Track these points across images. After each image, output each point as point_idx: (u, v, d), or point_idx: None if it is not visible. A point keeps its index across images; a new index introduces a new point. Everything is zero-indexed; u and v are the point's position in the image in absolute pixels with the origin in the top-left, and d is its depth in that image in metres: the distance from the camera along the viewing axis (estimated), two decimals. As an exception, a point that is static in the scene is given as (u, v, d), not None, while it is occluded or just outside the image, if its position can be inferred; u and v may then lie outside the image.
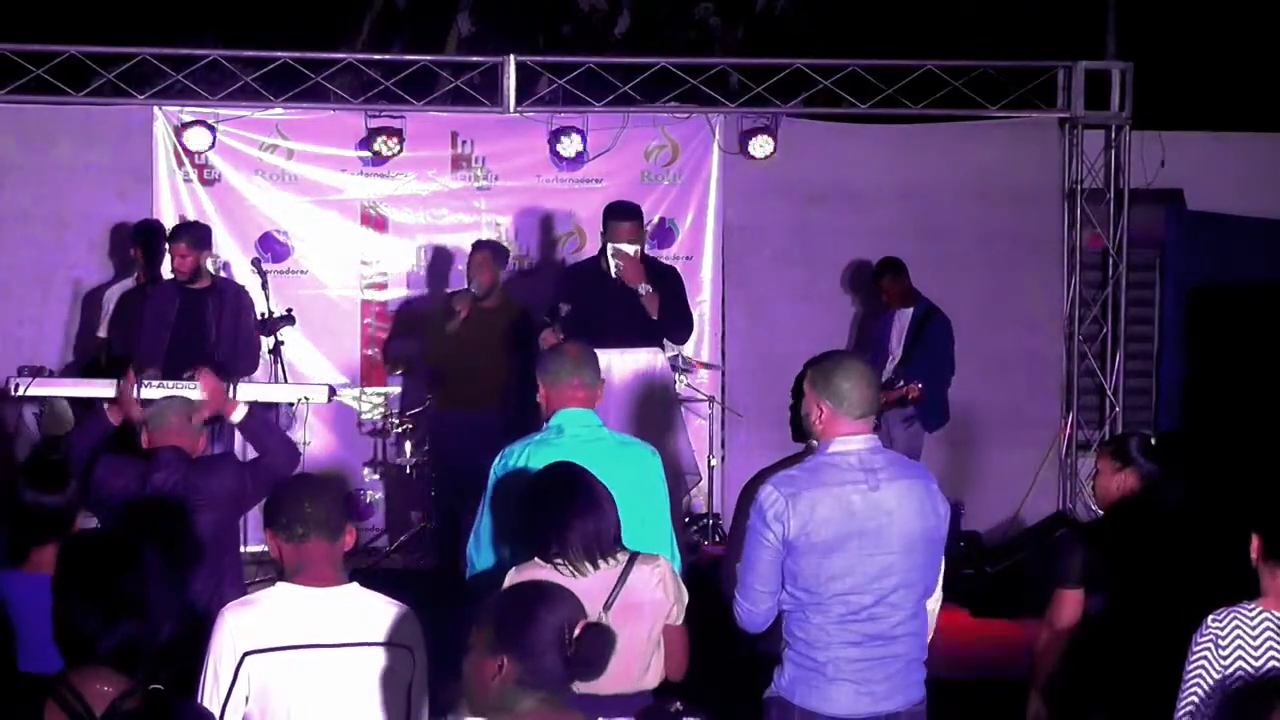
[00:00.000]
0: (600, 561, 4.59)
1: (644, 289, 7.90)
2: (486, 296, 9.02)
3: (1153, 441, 5.77)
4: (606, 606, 4.56)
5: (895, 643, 4.43)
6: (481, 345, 8.87)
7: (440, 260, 10.19)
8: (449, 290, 9.77)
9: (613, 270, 7.93)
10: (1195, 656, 4.10)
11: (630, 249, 7.92)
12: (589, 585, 4.53)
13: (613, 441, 5.21)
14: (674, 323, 8.12)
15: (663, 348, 8.15)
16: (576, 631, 3.17)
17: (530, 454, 5.11)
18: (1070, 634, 5.40)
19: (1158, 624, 5.31)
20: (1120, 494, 5.53)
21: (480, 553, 5.11)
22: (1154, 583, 5.34)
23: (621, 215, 8.05)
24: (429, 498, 9.64)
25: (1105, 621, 5.38)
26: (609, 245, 7.99)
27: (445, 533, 9.25)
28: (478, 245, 9.29)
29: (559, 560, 4.57)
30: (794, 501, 4.37)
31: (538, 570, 4.57)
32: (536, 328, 8.19)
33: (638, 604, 4.62)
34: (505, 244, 9.73)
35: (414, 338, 9.77)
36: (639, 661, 4.66)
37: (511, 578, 4.55)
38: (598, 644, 3.18)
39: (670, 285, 8.20)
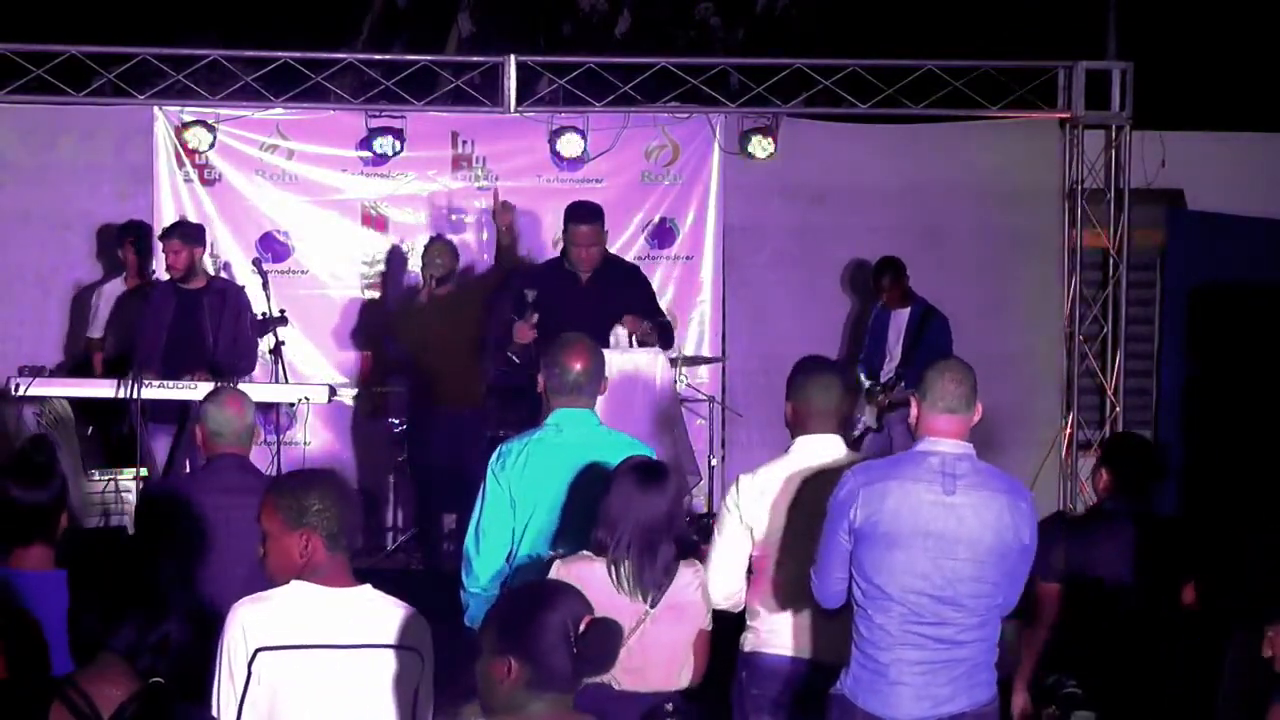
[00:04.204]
0: None
1: (640, 331, 7.92)
2: (445, 279, 9.01)
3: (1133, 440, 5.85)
4: (653, 604, 4.58)
5: (960, 648, 4.42)
6: (449, 338, 8.85)
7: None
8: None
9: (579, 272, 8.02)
10: None
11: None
12: None
13: (610, 441, 5.16)
14: (663, 343, 8.20)
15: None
16: (582, 627, 3.16)
17: (530, 452, 5.07)
18: (1052, 628, 5.43)
19: (1126, 619, 5.34)
20: (1100, 491, 5.61)
21: (481, 553, 5.06)
22: (1121, 580, 5.37)
23: (582, 218, 8.17)
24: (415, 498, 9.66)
25: (1080, 616, 5.41)
26: (570, 245, 8.10)
27: (427, 533, 9.26)
28: (435, 238, 9.53)
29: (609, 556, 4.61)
30: (866, 490, 4.40)
31: (589, 564, 4.59)
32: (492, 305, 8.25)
33: (682, 605, 4.67)
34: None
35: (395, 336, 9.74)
36: (680, 661, 4.70)
37: (556, 569, 4.56)
38: (604, 638, 3.18)
39: (643, 293, 8.29)
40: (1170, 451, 10.74)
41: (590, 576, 4.54)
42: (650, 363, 7.96)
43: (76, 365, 9.42)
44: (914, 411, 4.54)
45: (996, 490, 4.46)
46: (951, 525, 4.38)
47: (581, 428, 5.15)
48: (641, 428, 7.75)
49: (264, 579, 4.03)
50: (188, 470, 8.22)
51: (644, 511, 4.60)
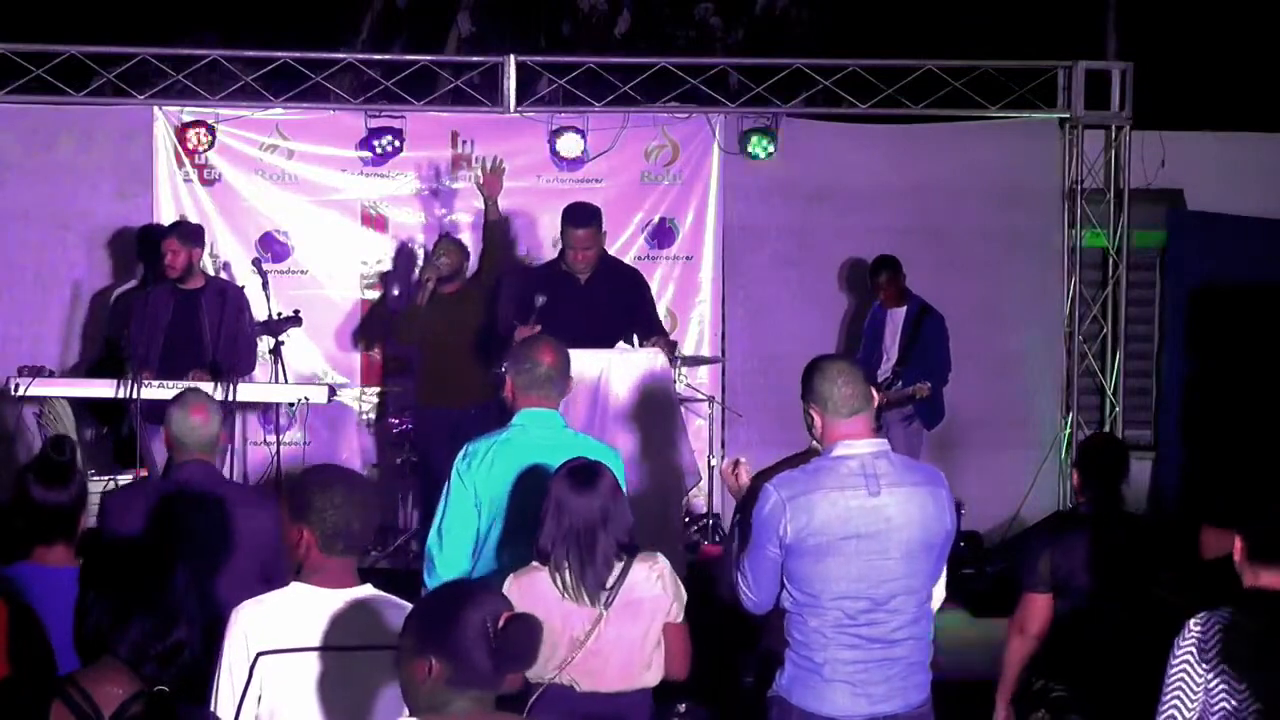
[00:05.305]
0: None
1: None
2: (451, 278, 8.99)
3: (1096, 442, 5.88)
4: (607, 604, 4.58)
5: (895, 646, 4.42)
6: (455, 337, 8.83)
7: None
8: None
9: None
10: (1177, 661, 4.07)
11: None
12: None
13: (575, 442, 5.12)
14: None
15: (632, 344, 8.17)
16: (501, 624, 3.16)
17: (496, 452, 5.03)
18: (1040, 639, 5.43)
19: (1107, 621, 5.34)
20: (1075, 493, 5.62)
21: (444, 551, 5.05)
22: (1094, 584, 5.38)
23: (578, 221, 8.16)
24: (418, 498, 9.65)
25: (1065, 624, 5.41)
26: (567, 248, 8.14)
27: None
28: (444, 235, 9.51)
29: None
30: (791, 504, 4.37)
31: (538, 573, 4.60)
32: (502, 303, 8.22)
33: (637, 601, 4.62)
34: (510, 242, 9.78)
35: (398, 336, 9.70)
36: (641, 660, 4.66)
37: (510, 583, 4.56)
38: (523, 635, 3.16)
39: (641, 298, 8.31)
40: (1170, 451, 10.77)
41: (541, 586, 4.54)
42: (650, 363, 7.96)
43: (93, 367, 9.43)
44: (818, 423, 4.48)
45: (917, 483, 4.45)
46: (881, 526, 4.37)
47: (547, 429, 5.10)
48: (640, 428, 7.76)
49: (227, 590, 4.03)
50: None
51: (578, 515, 4.57)
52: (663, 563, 4.71)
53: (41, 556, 4.47)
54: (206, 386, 8.09)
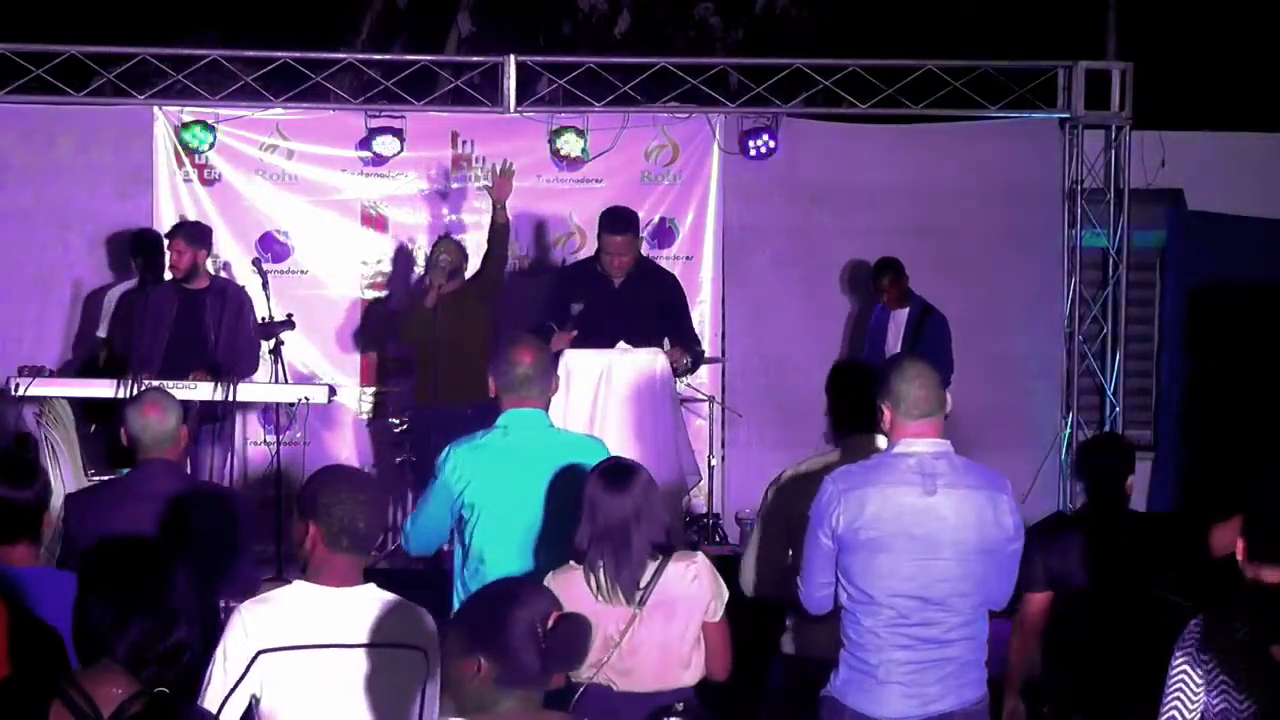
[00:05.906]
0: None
1: (678, 364, 8.01)
2: (451, 276, 8.99)
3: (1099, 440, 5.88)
4: (641, 603, 4.58)
5: (948, 646, 4.43)
6: (454, 336, 8.82)
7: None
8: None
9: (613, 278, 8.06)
10: (1178, 662, 4.07)
11: None
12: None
13: (560, 441, 5.16)
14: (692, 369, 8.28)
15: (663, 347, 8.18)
16: (550, 624, 3.16)
17: (476, 455, 5.05)
18: (1041, 635, 5.45)
19: (1109, 619, 5.36)
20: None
21: (415, 539, 5.19)
22: (1093, 583, 5.39)
23: (615, 228, 8.17)
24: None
25: (1067, 622, 5.43)
26: (602, 253, 8.15)
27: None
28: (443, 236, 9.47)
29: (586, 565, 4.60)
30: (845, 496, 4.40)
31: (574, 572, 4.61)
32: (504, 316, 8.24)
33: (671, 600, 4.62)
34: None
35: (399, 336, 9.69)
36: (676, 658, 4.66)
37: (548, 582, 4.56)
38: (572, 635, 3.17)
39: (677, 302, 8.35)
40: (1170, 451, 10.76)
41: (575, 586, 4.54)
42: (650, 363, 7.96)
43: (85, 366, 9.43)
44: (888, 419, 4.50)
45: (974, 486, 4.46)
46: (934, 526, 4.38)
47: (530, 429, 5.10)
48: (641, 427, 7.76)
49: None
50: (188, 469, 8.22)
51: (610, 514, 4.58)
52: (701, 561, 4.71)
53: (5, 555, 4.41)
54: (206, 386, 8.10)
